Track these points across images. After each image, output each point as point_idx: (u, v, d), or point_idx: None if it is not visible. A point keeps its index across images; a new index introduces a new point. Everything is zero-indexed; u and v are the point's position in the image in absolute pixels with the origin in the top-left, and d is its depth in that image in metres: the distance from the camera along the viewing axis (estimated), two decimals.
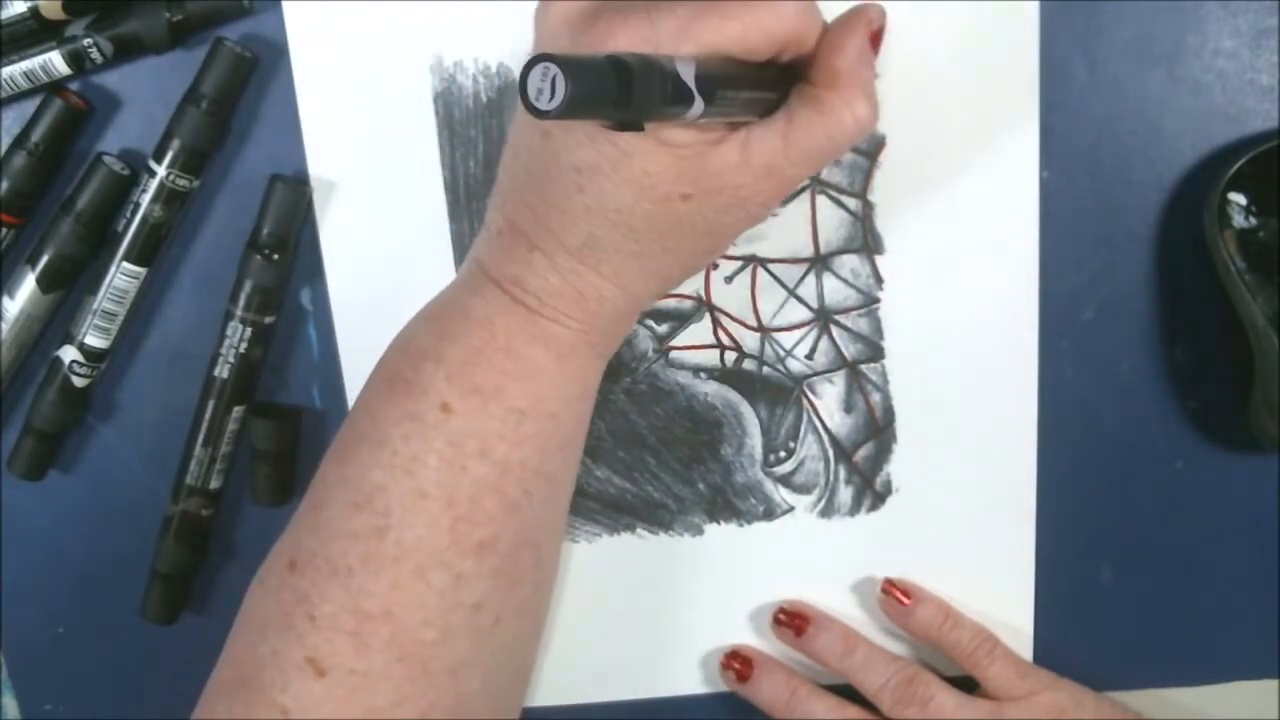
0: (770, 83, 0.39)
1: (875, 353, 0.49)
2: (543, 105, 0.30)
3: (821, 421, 0.50)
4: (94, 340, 0.47)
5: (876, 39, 0.40)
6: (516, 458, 0.40)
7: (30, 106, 0.46)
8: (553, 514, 0.43)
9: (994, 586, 0.51)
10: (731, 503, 0.51)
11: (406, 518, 0.39)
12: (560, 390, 0.41)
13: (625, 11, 0.37)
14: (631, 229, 0.39)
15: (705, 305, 0.48)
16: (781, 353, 0.49)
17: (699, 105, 0.34)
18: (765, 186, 0.39)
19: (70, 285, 0.47)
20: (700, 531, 0.51)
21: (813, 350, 0.49)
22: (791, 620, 0.51)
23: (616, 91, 0.31)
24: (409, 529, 0.39)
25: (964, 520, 0.50)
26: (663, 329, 0.49)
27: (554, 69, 0.29)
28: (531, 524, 0.41)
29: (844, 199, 0.47)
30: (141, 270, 0.46)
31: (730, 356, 0.49)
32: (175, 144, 0.45)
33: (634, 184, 0.38)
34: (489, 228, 0.42)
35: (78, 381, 0.48)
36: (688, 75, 0.33)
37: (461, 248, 0.48)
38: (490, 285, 0.41)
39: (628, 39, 0.36)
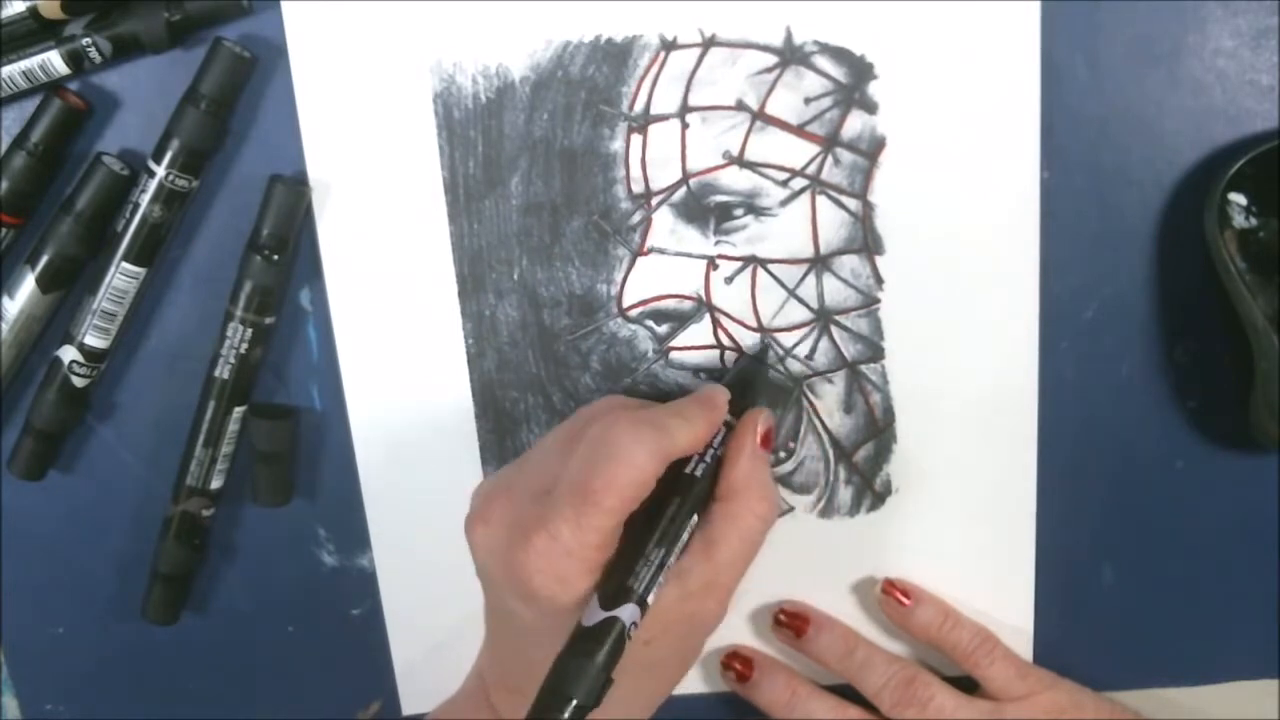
0: (668, 533, 0.42)
1: (875, 353, 0.49)
2: None
3: (821, 422, 0.50)
4: (94, 340, 0.47)
5: (767, 439, 0.44)
6: None
7: (30, 106, 0.45)
8: None
9: (994, 586, 0.51)
10: None
11: None
12: None
13: (529, 534, 0.40)
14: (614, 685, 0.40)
15: (705, 306, 0.48)
16: (781, 353, 0.49)
17: (631, 610, 0.40)
18: (710, 601, 0.43)
19: (70, 285, 0.47)
20: None
21: (813, 350, 0.49)
22: (792, 621, 0.51)
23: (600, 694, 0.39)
24: None
25: (964, 520, 0.50)
26: (663, 330, 0.49)
27: None
28: None
29: (844, 199, 0.47)
30: (141, 270, 0.46)
31: (730, 357, 0.49)
32: (174, 144, 0.45)
33: None
34: (488, 677, 0.46)
35: (78, 381, 0.48)
36: (632, 615, 0.39)
37: (461, 248, 0.47)
38: None
39: (547, 560, 0.40)
